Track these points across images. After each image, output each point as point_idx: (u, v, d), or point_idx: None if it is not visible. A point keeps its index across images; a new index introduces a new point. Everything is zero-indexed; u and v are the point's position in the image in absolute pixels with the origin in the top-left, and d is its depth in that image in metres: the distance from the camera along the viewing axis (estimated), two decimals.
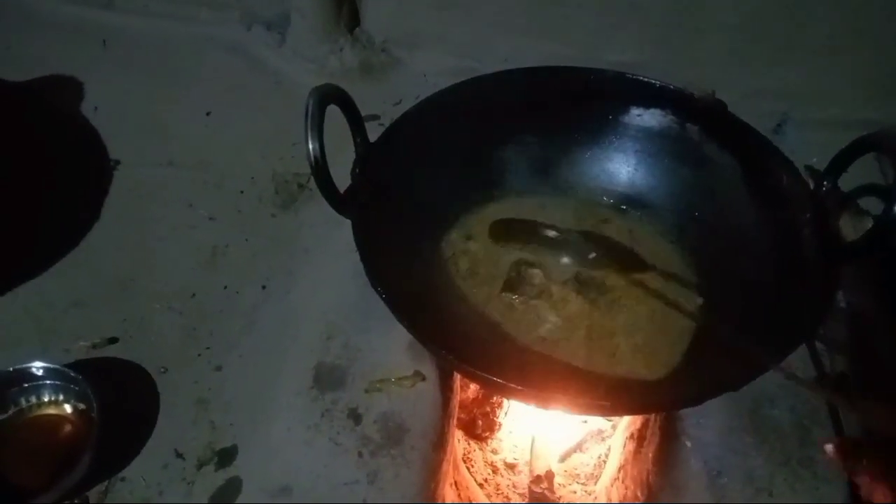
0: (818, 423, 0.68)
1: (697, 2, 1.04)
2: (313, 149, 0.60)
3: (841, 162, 0.65)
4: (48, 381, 0.73)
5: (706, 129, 0.74)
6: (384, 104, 1.09)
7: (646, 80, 0.75)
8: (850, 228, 0.74)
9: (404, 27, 1.19)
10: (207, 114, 1.11)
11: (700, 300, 0.71)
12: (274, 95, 1.15)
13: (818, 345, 0.76)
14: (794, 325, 0.60)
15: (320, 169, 0.61)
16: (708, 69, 1.07)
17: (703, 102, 0.77)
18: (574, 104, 0.78)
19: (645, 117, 0.77)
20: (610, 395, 0.58)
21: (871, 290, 0.81)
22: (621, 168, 0.80)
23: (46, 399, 0.73)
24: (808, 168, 0.88)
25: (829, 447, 0.58)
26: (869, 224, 0.66)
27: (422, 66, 1.19)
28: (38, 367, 0.73)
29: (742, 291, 0.68)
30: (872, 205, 0.70)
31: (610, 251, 0.74)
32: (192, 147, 1.06)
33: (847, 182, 0.69)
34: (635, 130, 0.78)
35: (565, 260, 0.73)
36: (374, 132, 0.71)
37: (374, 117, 1.03)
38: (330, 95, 0.63)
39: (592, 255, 0.73)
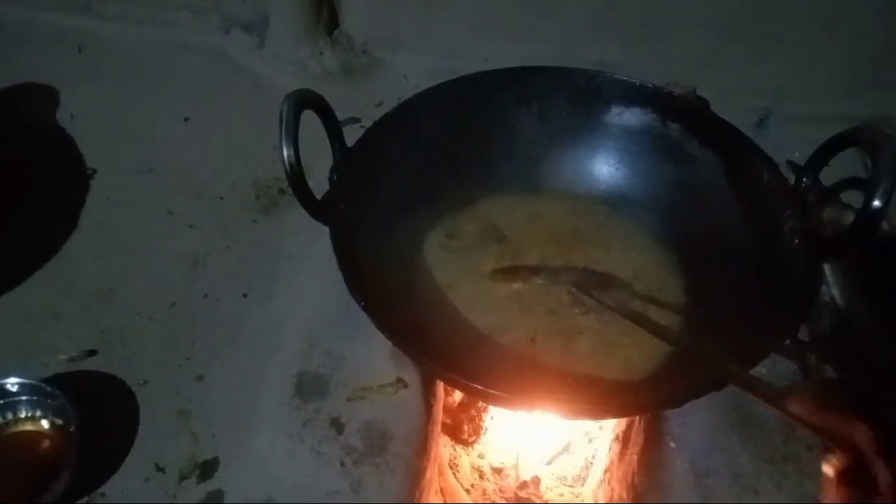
0: None
1: None
2: (288, 156, 0.59)
3: (820, 158, 0.64)
4: (24, 397, 0.71)
5: (687, 127, 0.74)
6: (365, 106, 1.07)
7: (626, 78, 0.75)
8: (833, 223, 0.74)
9: (384, 28, 1.18)
10: (186, 119, 1.09)
11: (683, 298, 0.70)
12: (253, 99, 1.13)
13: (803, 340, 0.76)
14: (778, 320, 0.59)
15: (296, 176, 0.60)
16: (689, 66, 1.06)
17: (683, 100, 0.77)
18: (555, 104, 0.78)
19: (626, 116, 0.76)
20: (592, 398, 0.57)
21: (856, 285, 0.81)
22: (603, 167, 0.79)
23: (23, 415, 0.72)
24: (790, 163, 0.88)
25: None
26: (851, 218, 0.66)
27: (403, 67, 1.17)
28: (13, 382, 0.71)
29: (725, 288, 0.68)
30: (855, 198, 0.70)
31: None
32: (171, 153, 1.04)
33: (831, 175, 0.69)
34: (617, 129, 0.77)
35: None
36: (355, 135, 0.70)
37: (356, 120, 1.02)
38: (305, 101, 0.62)
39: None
